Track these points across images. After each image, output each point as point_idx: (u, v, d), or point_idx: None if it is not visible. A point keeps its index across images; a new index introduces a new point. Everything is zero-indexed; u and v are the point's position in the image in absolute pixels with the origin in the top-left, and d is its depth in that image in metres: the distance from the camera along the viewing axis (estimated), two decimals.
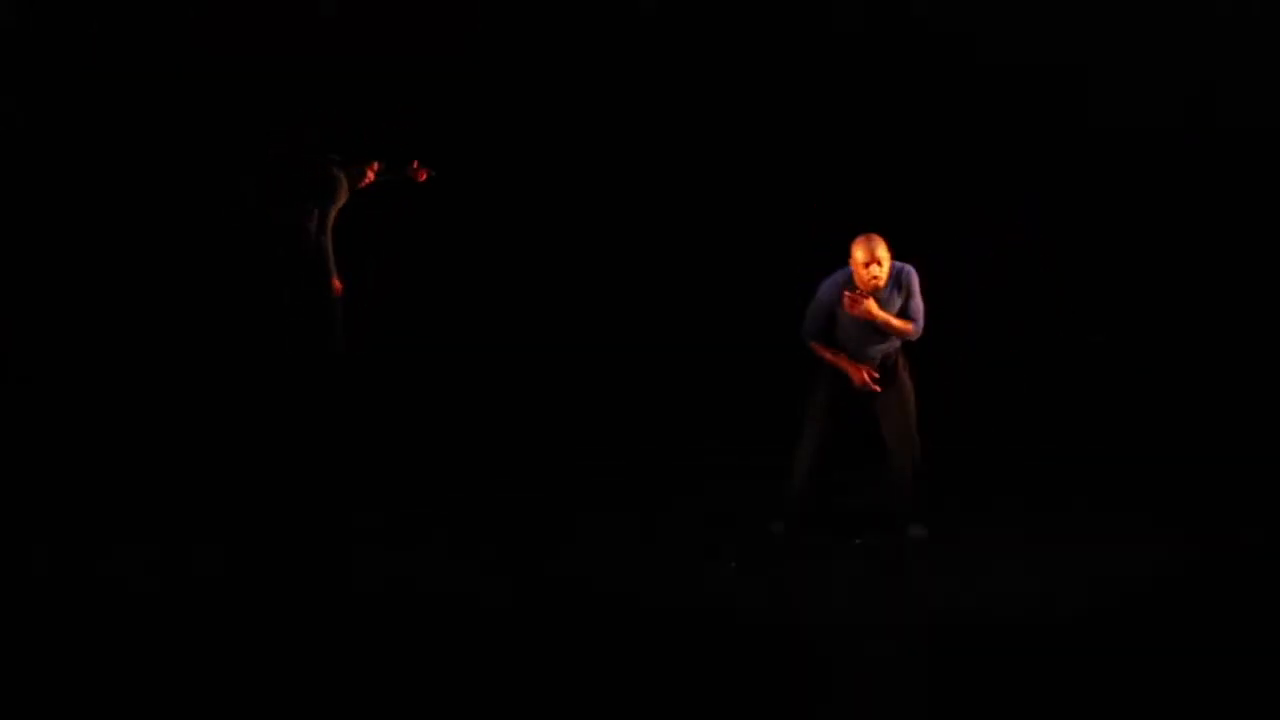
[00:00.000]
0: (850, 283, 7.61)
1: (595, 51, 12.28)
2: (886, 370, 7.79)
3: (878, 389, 7.70)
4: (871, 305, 7.53)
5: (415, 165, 10.70)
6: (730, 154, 12.36)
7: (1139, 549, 7.74)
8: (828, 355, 7.69)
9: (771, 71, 12.31)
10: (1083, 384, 10.79)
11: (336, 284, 10.53)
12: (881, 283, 7.61)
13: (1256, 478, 8.84)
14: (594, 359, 11.27)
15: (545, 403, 10.55)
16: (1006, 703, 6.10)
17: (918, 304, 7.67)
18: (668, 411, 10.38)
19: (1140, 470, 9.07)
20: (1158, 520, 8.19)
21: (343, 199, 10.49)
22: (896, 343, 7.77)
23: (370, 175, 10.58)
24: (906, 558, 7.69)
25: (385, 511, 8.39)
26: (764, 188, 12.35)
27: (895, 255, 7.72)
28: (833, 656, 6.59)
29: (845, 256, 7.83)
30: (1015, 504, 8.51)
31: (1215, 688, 6.17)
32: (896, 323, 7.65)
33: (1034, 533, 8.02)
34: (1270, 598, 7.10)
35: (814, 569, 7.54)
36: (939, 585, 7.28)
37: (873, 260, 7.56)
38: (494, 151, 12.28)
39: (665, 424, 10.13)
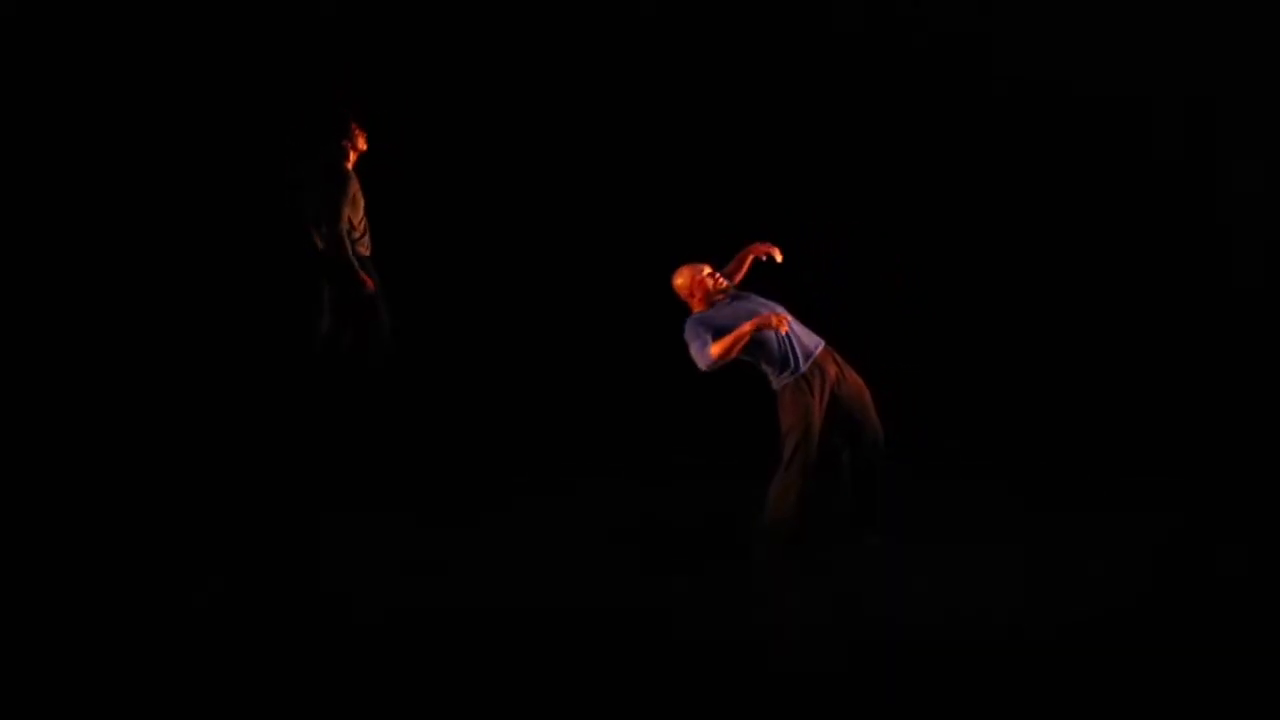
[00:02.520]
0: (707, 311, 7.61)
1: (595, 51, 12.28)
2: (837, 365, 7.69)
3: (786, 319, 7.51)
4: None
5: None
6: (728, 155, 12.36)
7: (1105, 557, 7.64)
8: (744, 330, 7.46)
9: (771, 72, 12.31)
10: (1043, 387, 10.72)
11: (368, 280, 10.23)
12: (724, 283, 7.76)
13: (1224, 486, 8.76)
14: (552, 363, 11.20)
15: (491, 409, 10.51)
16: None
17: None
18: (614, 417, 10.31)
19: (1104, 475, 9.00)
20: (1125, 528, 8.09)
21: (350, 191, 10.22)
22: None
23: (360, 137, 10.27)
24: (858, 567, 7.59)
25: (363, 514, 8.39)
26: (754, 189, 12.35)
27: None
28: (784, 670, 6.54)
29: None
30: (968, 511, 8.42)
31: (1188, 697, 6.12)
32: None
33: (989, 541, 7.90)
34: (1239, 609, 7.00)
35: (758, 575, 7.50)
36: (890, 595, 7.22)
37: (702, 272, 7.70)
38: (492, 152, 12.29)
39: (610, 428, 10.07)
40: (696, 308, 7.75)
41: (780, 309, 7.68)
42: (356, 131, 10.29)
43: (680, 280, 7.77)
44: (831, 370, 7.67)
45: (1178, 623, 6.86)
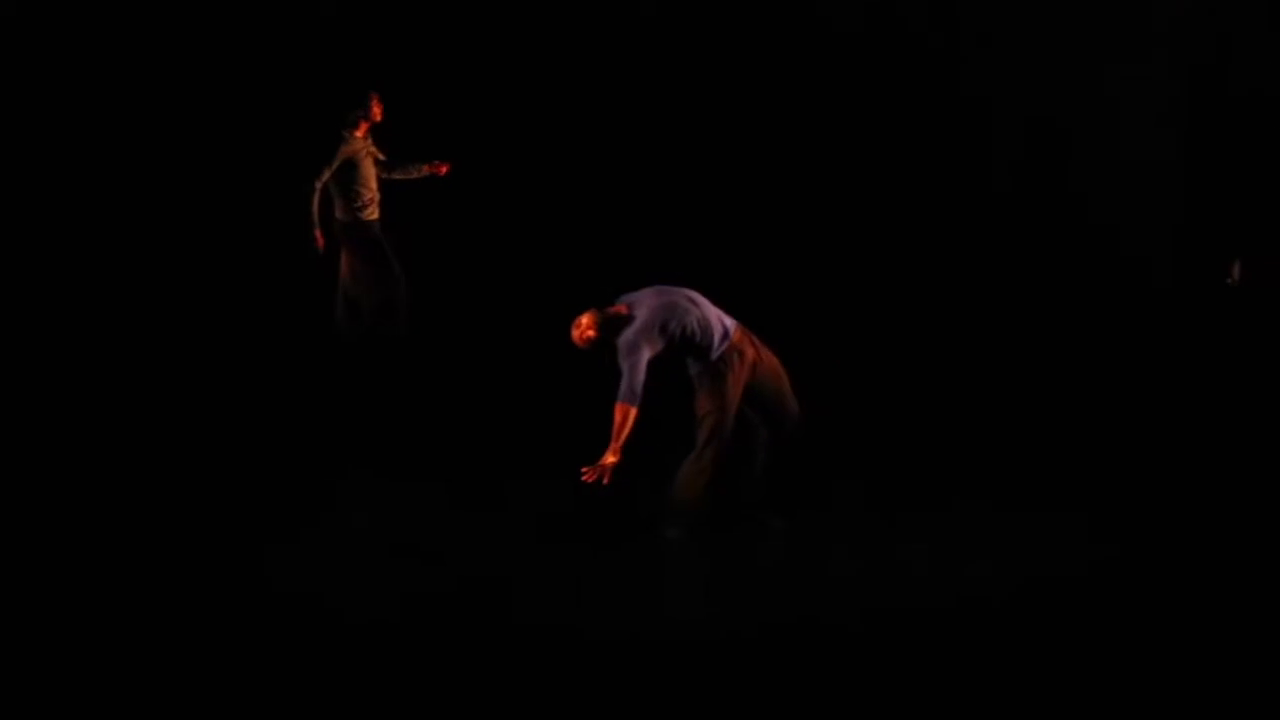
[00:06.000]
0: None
1: (595, 51, 12.34)
2: (755, 347, 7.61)
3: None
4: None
5: (428, 166, 10.81)
6: (728, 155, 12.41)
7: (997, 543, 7.60)
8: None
9: (770, 72, 12.35)
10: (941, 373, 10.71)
11: (319, 238, 10.52)
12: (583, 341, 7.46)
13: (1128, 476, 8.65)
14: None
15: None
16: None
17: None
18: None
19: (1003, 462, 8.92)
20: (1015, 516, 8.03)
21: (341, 155, 10.45)
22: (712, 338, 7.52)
23: (376, 109, 10.53)
24: (764, 548, 7.56)
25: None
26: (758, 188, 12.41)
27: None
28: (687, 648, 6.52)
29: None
30: (859, 493, 8.35)
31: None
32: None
33: (881, 525, 7.87)
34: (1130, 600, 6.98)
35: (660, 567, 7.46)
36: (794, 580, 7.22)
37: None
38: (492, 152, 12.35)
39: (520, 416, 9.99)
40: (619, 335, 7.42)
41: (690, 292, 7.54)
42: (374, 103, 10.51)
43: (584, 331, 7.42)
44: (749, 352, 7.57)
45: (1069, 612, 6.84)
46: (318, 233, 10.48)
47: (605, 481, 7.25)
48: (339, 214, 10.63)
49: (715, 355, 7.48)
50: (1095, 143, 11.85)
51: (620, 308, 7.49)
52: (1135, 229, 11.73)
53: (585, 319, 7.40)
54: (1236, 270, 9.03)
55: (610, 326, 7.41)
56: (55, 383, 10.39)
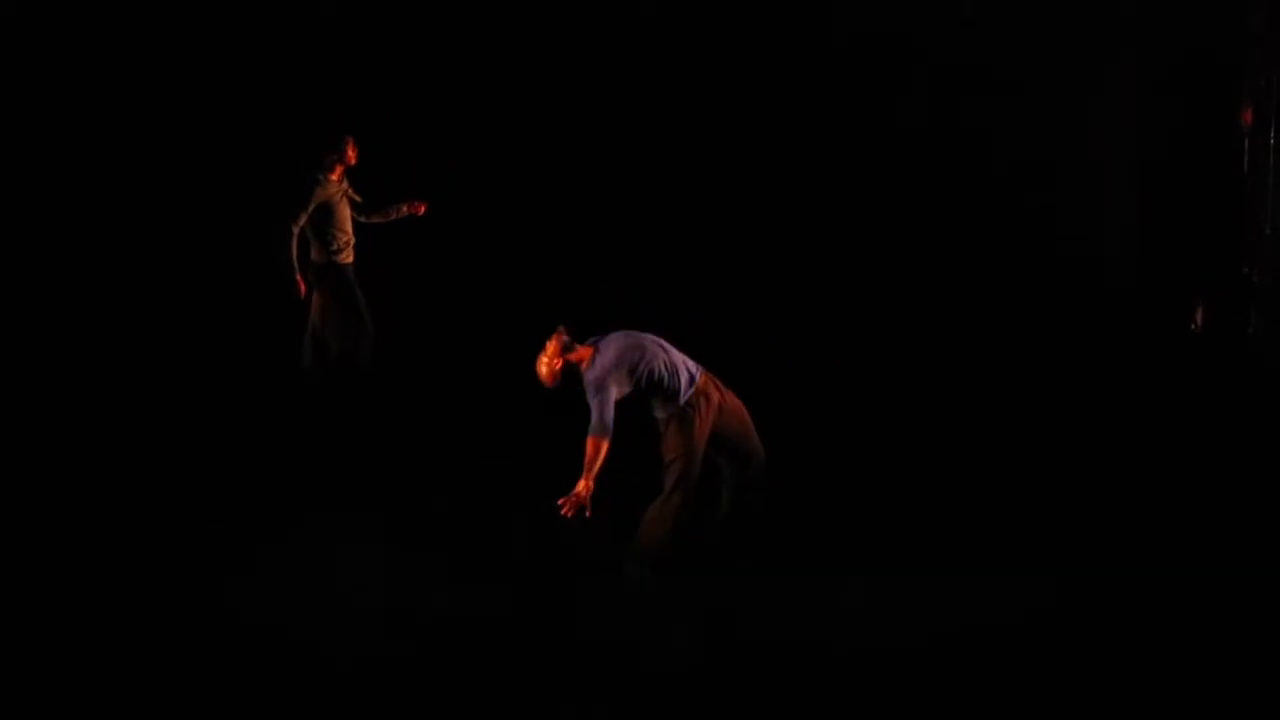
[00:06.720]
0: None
1: (595, 51, 12.43)
2: (719, 390, 7.66)
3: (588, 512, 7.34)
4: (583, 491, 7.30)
5: (406, 206, 10.90)
6: (728, 155, 12.52)
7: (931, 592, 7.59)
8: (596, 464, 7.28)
9: (770, 73, 12.44)
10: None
11: (300, 283, 10.64)
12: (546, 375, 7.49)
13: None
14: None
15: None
16: None
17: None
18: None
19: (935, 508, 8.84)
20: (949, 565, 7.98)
21: (316, 199, 10.52)
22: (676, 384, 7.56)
23: (350, 152, 10.59)
24: (728, 590, 7.52)
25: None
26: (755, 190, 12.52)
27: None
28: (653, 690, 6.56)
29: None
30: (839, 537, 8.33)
31: None
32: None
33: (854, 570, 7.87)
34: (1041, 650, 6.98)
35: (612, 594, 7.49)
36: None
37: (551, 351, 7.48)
38: (492, 152, 12.49)
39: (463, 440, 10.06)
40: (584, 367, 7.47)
41: (655, 337, 7.61)
42: (348, 146, 10.61)
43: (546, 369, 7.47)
44: (714, 395, 7.61)
45: (1021, 650, 6.88)
46: (298, 277, 10.56)
47: (588, 513, 7.27)
48: (314, 256, 10.68)
49: (683, 400, 7.52)
50: (1076, 163, 11.90)
51: (587, 348, 7.52)
52: (1119, 257, 11.66)
53: (550, 355, 7.41)
54: (1199, 316, 9.07)
55: (576, 362, 7.42)
56: (14, 411, 10.44)
